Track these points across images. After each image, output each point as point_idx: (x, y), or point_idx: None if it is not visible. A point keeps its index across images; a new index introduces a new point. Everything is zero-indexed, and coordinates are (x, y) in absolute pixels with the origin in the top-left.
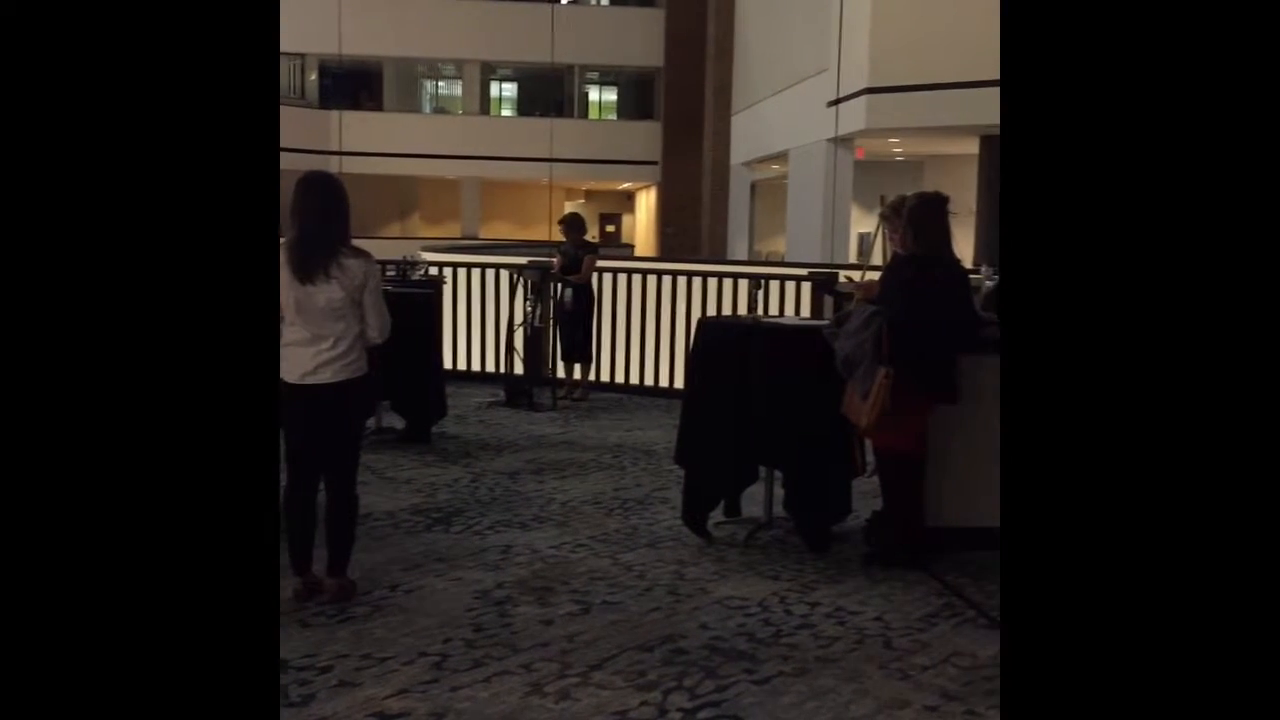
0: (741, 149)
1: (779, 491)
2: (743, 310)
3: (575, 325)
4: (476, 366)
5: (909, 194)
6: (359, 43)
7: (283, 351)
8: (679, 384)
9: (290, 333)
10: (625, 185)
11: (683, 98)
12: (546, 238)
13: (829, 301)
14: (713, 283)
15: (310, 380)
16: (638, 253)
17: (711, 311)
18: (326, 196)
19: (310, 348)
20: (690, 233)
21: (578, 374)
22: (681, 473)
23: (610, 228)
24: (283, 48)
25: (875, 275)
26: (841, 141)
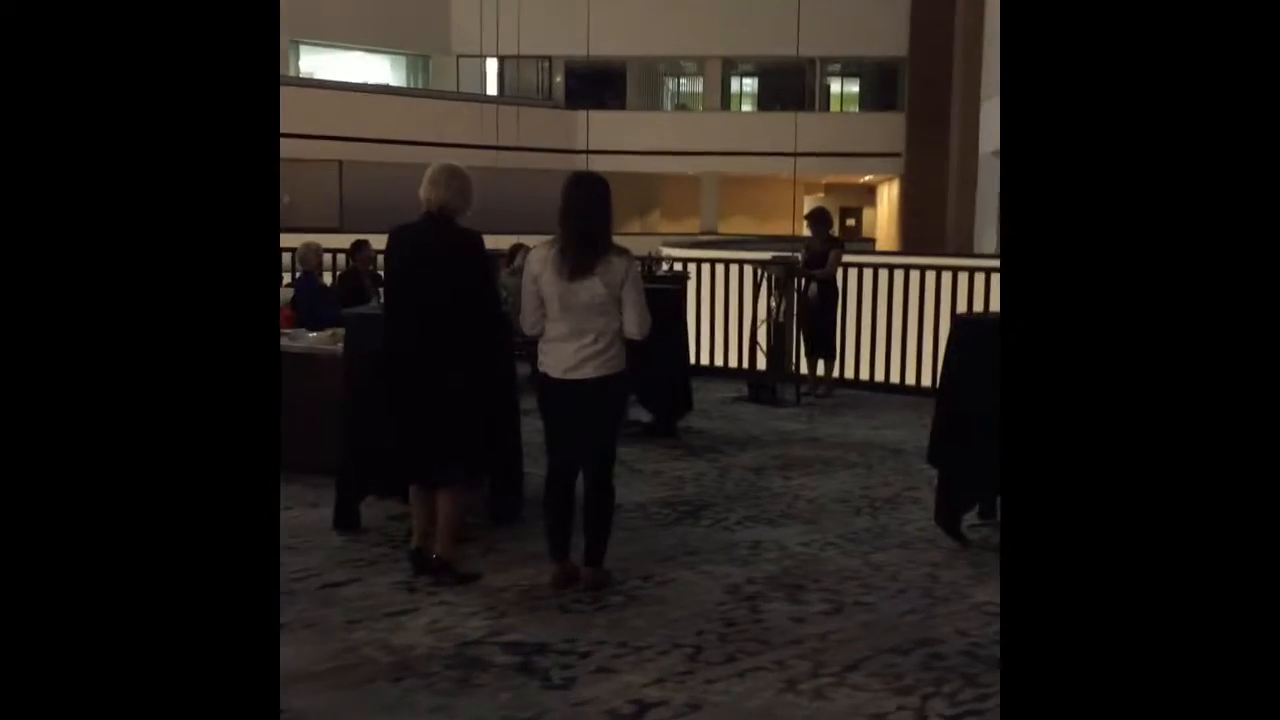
0: (991, 138)
1: None
2: (995, 307)
3: (819, 321)
4: (720, 362)
5: None
6: (604, 44)
7: (545, 347)
8: (925, 381)
9: (553, 328)
10: (867, 178)
11: (928, 87)
12: (786, 232)
13: None
14: (963, 278)
15: (573, 375)
16: (879, 247)
17: (961, 308)
18: (592, 196)
19: (572, 343)
20: (934, 225)
21: (821, 370)
22: (931, 472)
23: (850, 221)
24: (530, 51)
25: None
26: None
